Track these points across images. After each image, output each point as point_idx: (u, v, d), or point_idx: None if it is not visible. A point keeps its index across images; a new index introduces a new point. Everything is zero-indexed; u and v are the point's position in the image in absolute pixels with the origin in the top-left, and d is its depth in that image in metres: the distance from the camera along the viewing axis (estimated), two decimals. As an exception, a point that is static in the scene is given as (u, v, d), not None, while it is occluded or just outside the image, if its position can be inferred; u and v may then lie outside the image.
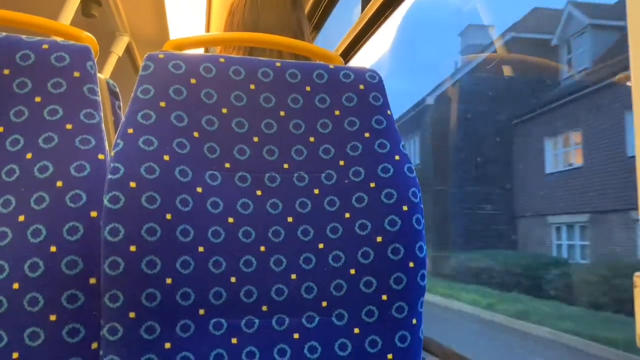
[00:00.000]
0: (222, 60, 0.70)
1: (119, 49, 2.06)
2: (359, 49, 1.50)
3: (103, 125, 0.66)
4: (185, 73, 0.67)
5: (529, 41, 7.38)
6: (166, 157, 0.62)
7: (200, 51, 1.42)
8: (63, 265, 0.58)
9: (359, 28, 1.40)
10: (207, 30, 2.01)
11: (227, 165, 0.66)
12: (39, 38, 0.67)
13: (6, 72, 0.64)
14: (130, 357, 0.57)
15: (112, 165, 0.59)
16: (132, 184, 0.59)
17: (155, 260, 0.58)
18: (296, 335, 0.64)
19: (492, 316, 6.20)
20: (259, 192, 0.67)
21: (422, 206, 0.69)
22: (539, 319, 5.55)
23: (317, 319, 0.65)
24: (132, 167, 0.59)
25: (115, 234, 0.57)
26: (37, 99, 0.64)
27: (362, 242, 0.66)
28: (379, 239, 0.66)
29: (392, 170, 0.69)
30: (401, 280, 0.66)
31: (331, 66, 0.74)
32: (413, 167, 0.71)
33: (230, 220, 0.64)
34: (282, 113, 0.70)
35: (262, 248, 0.65)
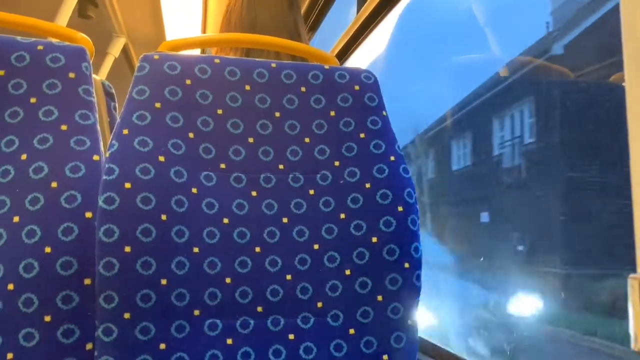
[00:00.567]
0: (217, 61, 0.70)
1: (115, 50, 2.05)
2: (354, 49, 1.50)
3: (98, 126, 0.66)
4: (180, 74, 0.67)
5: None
6: (161, 158, 0.62)
7: (196, 52, 1.42)
8: (58, 266, 0.58)
9: (355, 29, 1.40)
10: (203, 31, 2.01)
11: (223, 166, 0.66)
12: (34, 39, 0.67)
13: (1, 73, 0.64)
14: (125, 357, 0.57)
15: (107, 166, 0.59)
16: (127, 185, 0.59)
17: (150, 261, 0.58)
18: (291, 336, 0.64)
19: None
20: (254, 193, 0.67)
21: (417, 207, 0.69)
22: None
23: (312, 319, 0.65)
24: (127, 168, 0.60)
25: (110, 235, 0.57)
26: (32, 100, 0.64)
27: (357, 242, 0.67)
28: (374, 239, 0.66)
29: (387, 171, 0.69)
30: (396, 281, 0.66)
31: (326, 67, 0.74)
32: (408, 168, 0.71)
33: (226, 221, 0.64)
34: (277, 114, 0.70)
35: (258, 249, 0.65)
